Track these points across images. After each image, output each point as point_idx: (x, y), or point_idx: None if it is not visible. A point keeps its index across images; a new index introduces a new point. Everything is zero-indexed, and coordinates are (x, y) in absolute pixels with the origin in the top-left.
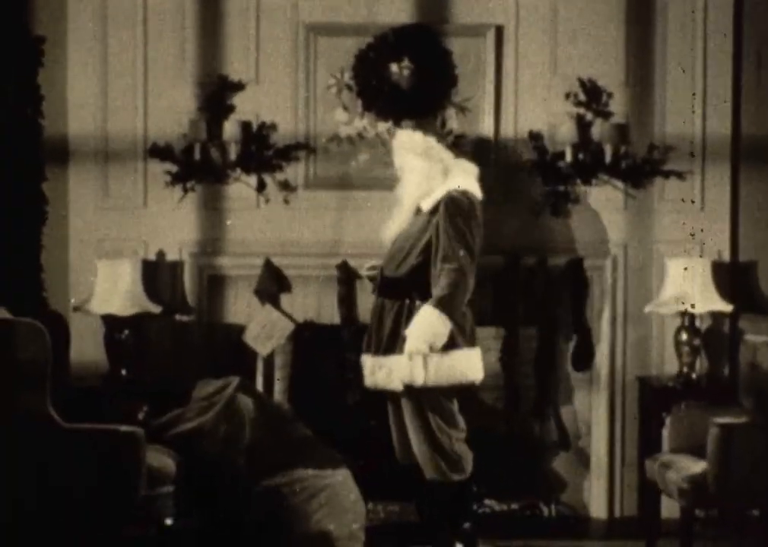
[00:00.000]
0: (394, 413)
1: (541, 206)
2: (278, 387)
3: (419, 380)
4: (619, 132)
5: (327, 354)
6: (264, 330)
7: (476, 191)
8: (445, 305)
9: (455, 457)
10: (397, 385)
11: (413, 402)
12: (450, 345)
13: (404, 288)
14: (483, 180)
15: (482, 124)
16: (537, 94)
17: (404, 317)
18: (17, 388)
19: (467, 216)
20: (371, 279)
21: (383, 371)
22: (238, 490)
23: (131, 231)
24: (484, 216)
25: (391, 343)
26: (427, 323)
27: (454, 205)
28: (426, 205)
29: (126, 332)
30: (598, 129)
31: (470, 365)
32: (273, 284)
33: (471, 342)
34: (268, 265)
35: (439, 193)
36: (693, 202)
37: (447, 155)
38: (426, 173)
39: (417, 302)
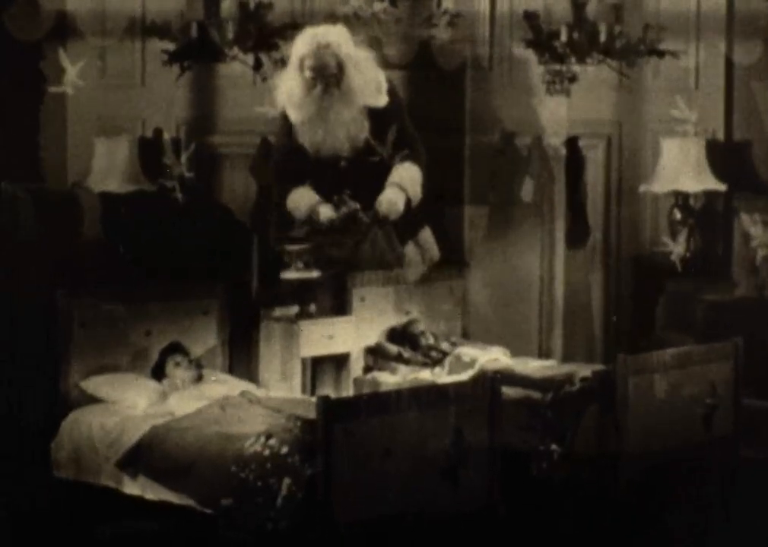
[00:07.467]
0: None
1: (536, 85)
2: None
3: None
4: (613, 12)
5: None
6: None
7: None
8: None
9: None
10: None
11: None
12: None
13: None
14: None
15: (478, 4)
16: None
17: None
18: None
19: None
20: None
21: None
22: None
23: (129, 109)
24: (480, 96)
25: None
26: None
27: None
28: None
29: (123, 210)
30: (593, 9)
31: None
32: (268, 162)
33: None
34: (264, 143)
35: None
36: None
37: None
38: None
39: None
